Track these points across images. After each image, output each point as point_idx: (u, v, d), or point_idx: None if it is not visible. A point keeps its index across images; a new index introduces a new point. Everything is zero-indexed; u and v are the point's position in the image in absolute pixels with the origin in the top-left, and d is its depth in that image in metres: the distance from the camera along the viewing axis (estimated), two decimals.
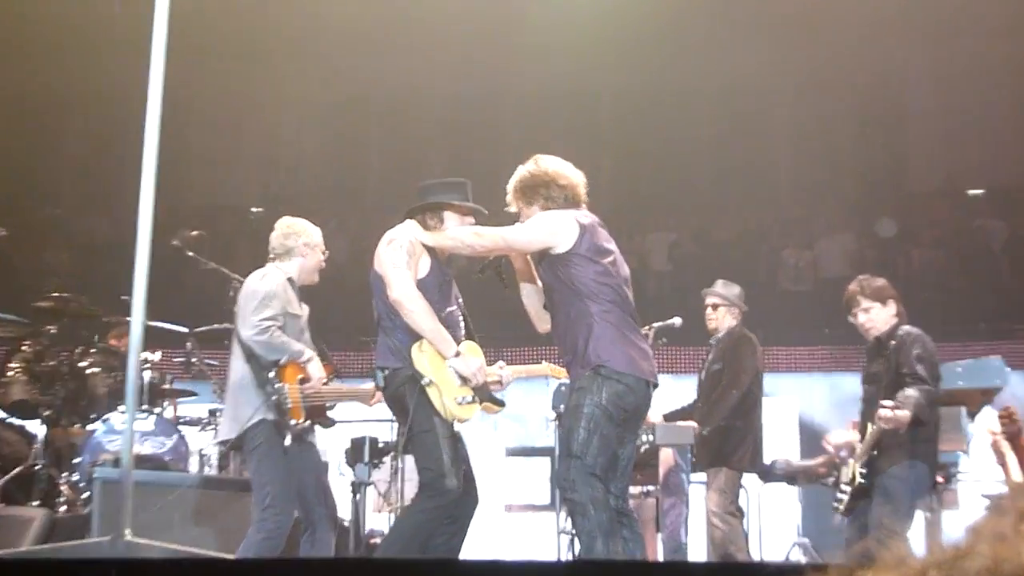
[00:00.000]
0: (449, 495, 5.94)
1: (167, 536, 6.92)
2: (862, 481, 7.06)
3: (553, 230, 5.80)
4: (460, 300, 6.40)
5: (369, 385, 6.85)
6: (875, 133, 12.88)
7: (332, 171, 13.10)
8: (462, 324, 6.33)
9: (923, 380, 6.86)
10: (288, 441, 6.46)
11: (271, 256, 6.90)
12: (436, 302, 6.10)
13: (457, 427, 6.15)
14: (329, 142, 12.99)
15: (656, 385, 5.80)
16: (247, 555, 6.25)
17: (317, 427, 6.88)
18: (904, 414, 6.73)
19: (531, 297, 6.16)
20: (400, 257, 6.04)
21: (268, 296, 6.58)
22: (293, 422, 6.49)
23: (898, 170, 13.01)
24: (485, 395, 6.19)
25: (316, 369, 6.61)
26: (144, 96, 5.34)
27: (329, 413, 6.91)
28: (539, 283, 6.10)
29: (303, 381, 6.59)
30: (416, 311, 5.96)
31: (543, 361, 7.28)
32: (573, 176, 6.01)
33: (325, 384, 6.75)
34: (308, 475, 6.68)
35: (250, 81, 12.18)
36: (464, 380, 6.08)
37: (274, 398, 6.47)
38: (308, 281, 6.95)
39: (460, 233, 6.12)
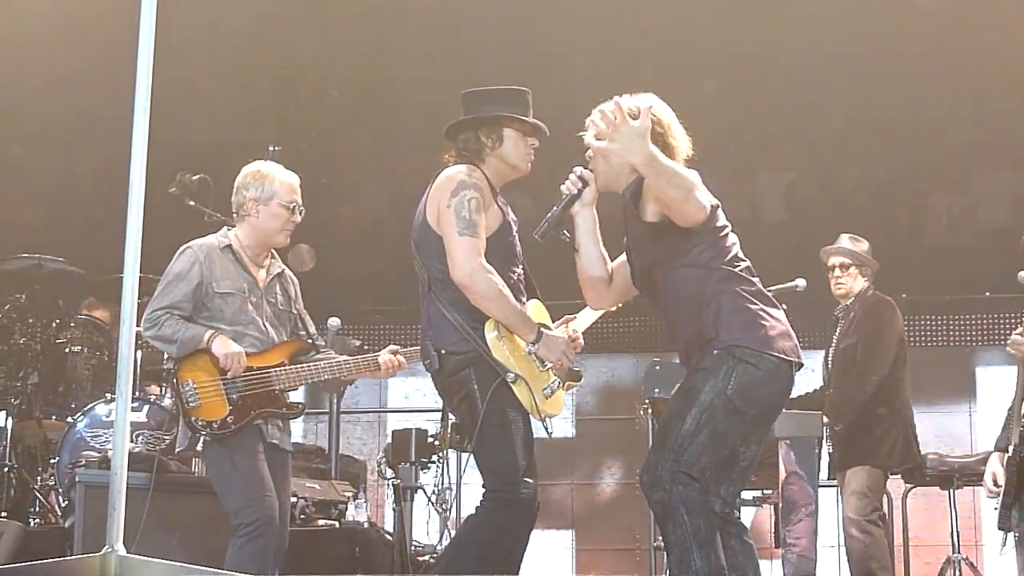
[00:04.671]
0: (524, 506, 5.94)
1: (168, 551, 7.00)
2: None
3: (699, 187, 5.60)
4: (521, 255, 6.36)
5: (376, 354, 6.91)
6: None
7: (364, 100, 13.08)
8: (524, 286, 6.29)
9: None
10: (203, 440, 6.60)
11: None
12: (502, 265, 6.05)
13: (548, 424, 6.11)
14: (358, 63, 12.96)
15: (801, 365, 5.72)
16: (235, 569, 6.32)
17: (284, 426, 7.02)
18: None
19: (593, 264, 6.00)
20: (470, 214, 5.95)
21: (175, 279, 6.75)
22: (199, 421, 6.62)
23: None
24: (564, 372, 6.17)
25: (221, 347, 6.65)
26: (135, 11, 5.33)
27: (294, 398, 7.02)
28: (602, 247, 6.03)
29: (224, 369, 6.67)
30: (489, 296, 5.92)
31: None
32: (684, 139, 5.88)
33: (295, 365, 6.86)
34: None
35: None
36: (543, 362, 6.05)
37: (172, 399, 6.63)
38: (271, 244, 7.05)
39: (684, 172, 5.55)
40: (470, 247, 5.90)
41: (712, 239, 5.64)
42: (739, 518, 5.94)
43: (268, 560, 6.54)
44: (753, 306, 5.60)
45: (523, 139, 6.26)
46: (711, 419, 5.47)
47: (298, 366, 6.89)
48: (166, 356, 7.23)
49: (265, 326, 6.92)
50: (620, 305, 6.39)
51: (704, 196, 5.55)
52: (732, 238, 5.72)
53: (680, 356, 5.87)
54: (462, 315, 5.99)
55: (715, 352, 5.52)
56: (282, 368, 6.84)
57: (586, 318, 6.63)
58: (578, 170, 5.86)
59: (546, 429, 6.08)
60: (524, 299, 6.22)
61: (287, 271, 7.19)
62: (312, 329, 7.19)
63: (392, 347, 6.97)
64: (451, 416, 8.43)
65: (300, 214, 6.97)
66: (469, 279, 5.89)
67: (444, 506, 8.86)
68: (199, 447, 6.66)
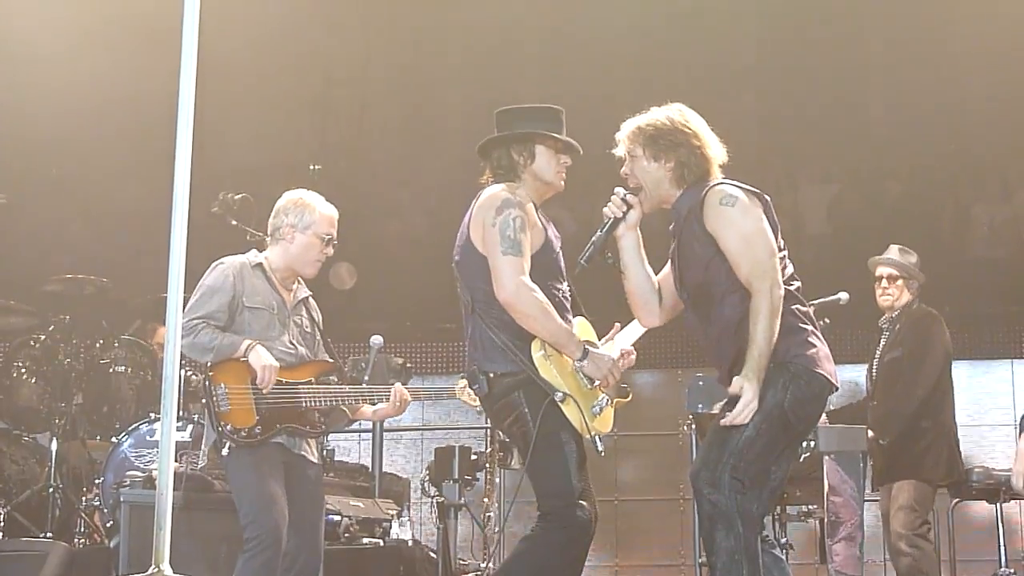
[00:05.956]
0: (580, 528, 5.88)
1: (213, 573, 7.02)
2: None
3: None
4: (564, 272, 6.31)
5: (394, 386, 7.00)
6: None
7: (403, 117, 13.11)
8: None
9: None
10: (228, 447, 6.65)
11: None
12: (547, 282, 6.00)
13: (598, 442, 6.05)
14: (398, 81, 12.99)
15: (837, 389, 5.74)
16: None
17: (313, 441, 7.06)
18: None
19: (643, 285, 6.01)
20: (515, 232, 5.90)
21: (209, 291, 6.81)
22: (228, 426, 6.64)
23: None
24: (612, 390, 6.13)
25: (258, 358, 6.68)
26: (177, 28, 5.35)
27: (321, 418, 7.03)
28: (648, 266, 6.00)
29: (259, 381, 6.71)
30: (533, 315, 5.86)
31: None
32: (718, 147, 5.86)
33: (316, 384, 6.91)
34: (291, 500, 6.80)
35: (298, 9, 12.19)
36: (591, 380, 6.01)
37: (202, 400, 6.71)
38: (300, 272, 7.10)
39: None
40: (514, 266, 5.84)
41: None
42: (769, 536, 5.94)
43: (274, 574, 6.55)
44: (806, 327, 5.64)
45: (555, 156, 6.22)
46: (769, 428, 5.48)
47: (325, 386, 6.95)
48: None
49: (292, 343, 6.97)
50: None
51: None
52: (784, 257, 5.71)
53: (721, 374, 5.83)
54: (508, 336, 5.93)
55: (771, 365, 5.49)
56: (310, 386, 6.90)
57: (631, 334, 6.60)
58: (620, 191, 5.85)
59: (596, 447, 6.03)
60: (570, 316, 6.17)
61: (311, 299, 7.26)
62: (333, 355, 7.25)
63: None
64: (500, 434, 8.45)
65: (332, 248, 7.05)
66: (514, 298, 5.83)
67: (488, 524, 8.84)
68: (224, 452, 6.68)
